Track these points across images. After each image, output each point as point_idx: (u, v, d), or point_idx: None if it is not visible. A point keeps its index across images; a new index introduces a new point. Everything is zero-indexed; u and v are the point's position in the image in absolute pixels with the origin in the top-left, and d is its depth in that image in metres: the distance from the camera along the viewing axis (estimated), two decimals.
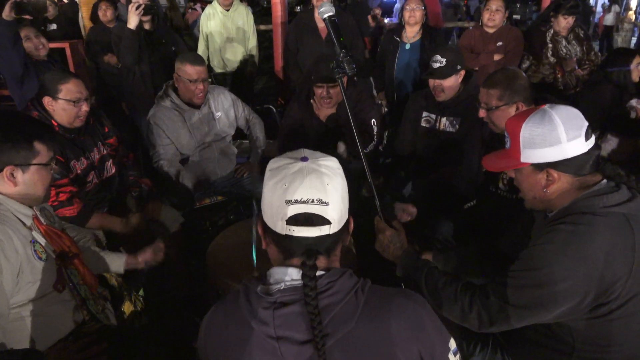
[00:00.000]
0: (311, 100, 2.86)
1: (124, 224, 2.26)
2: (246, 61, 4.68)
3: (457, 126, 2.67)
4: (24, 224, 1.47)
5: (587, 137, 1.26)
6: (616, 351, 1.28)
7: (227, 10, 4.48)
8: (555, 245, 1.23)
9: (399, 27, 3.82)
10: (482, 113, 2.04)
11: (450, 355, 0.97)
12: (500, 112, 1.97)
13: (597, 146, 1.29)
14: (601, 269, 1.18)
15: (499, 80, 1.98)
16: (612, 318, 1.23)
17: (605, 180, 1.29)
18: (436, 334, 0.95)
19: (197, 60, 2.72)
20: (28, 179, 1.47)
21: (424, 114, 2.80)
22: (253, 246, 1.88)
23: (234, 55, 4.63)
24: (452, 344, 0.98)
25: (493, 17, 3.66)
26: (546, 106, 1.30)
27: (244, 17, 4.57)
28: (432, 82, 2.65)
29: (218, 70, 4.68)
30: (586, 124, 1.27)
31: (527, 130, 1.29)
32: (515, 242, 1.36)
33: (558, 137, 1.25)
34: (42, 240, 1.51)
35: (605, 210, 1.22)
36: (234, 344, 0.94)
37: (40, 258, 1.46)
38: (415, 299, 0.97)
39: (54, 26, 5.53)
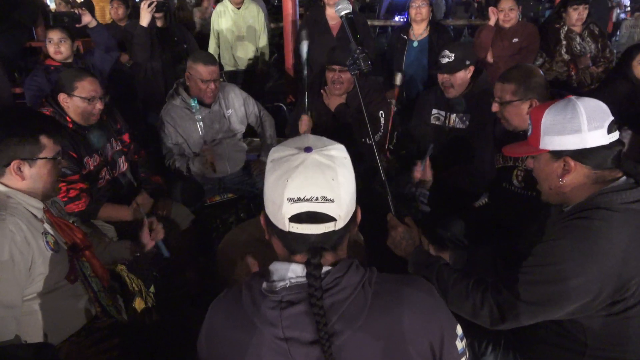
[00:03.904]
0: (322, 90, 2.89)
1: (132, 210, 2.29)
2: (257, 59, 4.68)
3: (467, 122, 2.66)
4: (35, 217, 1.48)
5: (609, 130, 1.24)
6: (631, 351, 1.26)
7: (239, 8, 4.49)
8: (569, 240, 1.21)
9: (406, 25, 3.82)
10: (495, 107, 2.03)
11: (457, 342, 0.95)
12: (513, 107, 1.95)
13: (620, 142, 1.27)
14: (618, 265, 1.16)
15: (515, 75, 1.97)
16: (628, 316, 1.21)
17: (624, 177, 1.26)
18: (445, 322, 0.94)
19: (210, 59, 2.72)
20: (35, 173, 1.48)
21: (434, 110, 2.79)
22: None
23: (245, 53, 4.63)
24: (459, 330, 0.97)
25: (508, 18, 3.63)
26: (572, 97, 1.29)
27: (255, 15, 4.57)
28: (441, 77, 2.65)
29: (229, 68, 4.69)
30: (611, 117, 1.25)
31: (549, 117, 1.28)
32: (532, 242, 1.34)
33: (579, 125, 1.23)
34: (54, 232, 1.53)
35: (623, 206, 1.20)
36: (239, 345, 0.91)
37: (52, 249, 1.47)
38: (423, 288, 0.95)
39: None
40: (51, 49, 3.19)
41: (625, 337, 1.25)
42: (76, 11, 3.30)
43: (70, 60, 3.25)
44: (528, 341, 1.47)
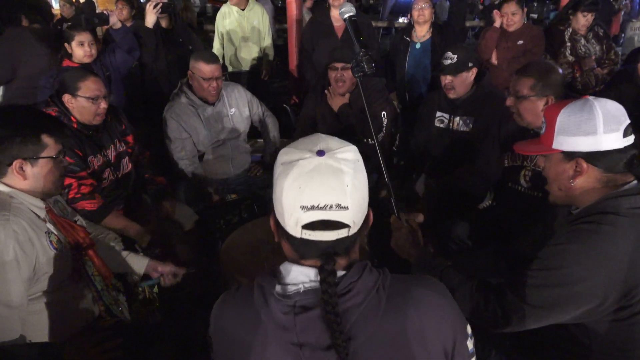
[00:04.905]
0: (325, 91, 2.91)
1: (141, 233, 2.25)
2: (261, 60, 4.69)
3: (470, 125, 2.65)
4: (38, 216, 1.48)
5: (625, 134, 1.22)
6: (636, 357, 1.25)
7: (243, 10, 4.50)
8: (576, 245, 1.20)
9: (409, 27, 3.82)
10: (509, 101, 2.00)
11: (468, 342, 0.94)
12: (529, 102, 1.93)
13: (634, 146, 1.25)
14: (624, 271, 1.15)
15: (534, 70, 1.96)
16: (634, 322, 1.20)
17: (635, 181, 1.25)
18: (457, 322, 0.93)
19: (212, 58, 2.72)
20: (37, 173, 1.47)
21: (438, 113, 2.79)
22: None
23: (249, 55, 4.64)
24: (469, 330, 0.96)
25: (512, 22, 3.62)
26: (590, 97, 1.27)
27: (259, 16, 4.58)
28: (444, 79, 2.65)
29: (232, 69, 4.70)
30: (627, 121, 1.24)
31: (565, 116, 1.26)
32: (537, 243, 1.33)
33: (595, 127, 1.21)
34: (57, 232, 1.53)
35: (631, 211, 1.19)
36: (249, 348, 0.89)
37: (55, 248, 1.48)
38: (435, 288, 0.94)
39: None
40: (81, 52, 3.09)
41: (630, 343, 1.24)
42: (105, 12, 3.27)
43: (89, 62, 3.18)
44: (532, 345, 1.46)
